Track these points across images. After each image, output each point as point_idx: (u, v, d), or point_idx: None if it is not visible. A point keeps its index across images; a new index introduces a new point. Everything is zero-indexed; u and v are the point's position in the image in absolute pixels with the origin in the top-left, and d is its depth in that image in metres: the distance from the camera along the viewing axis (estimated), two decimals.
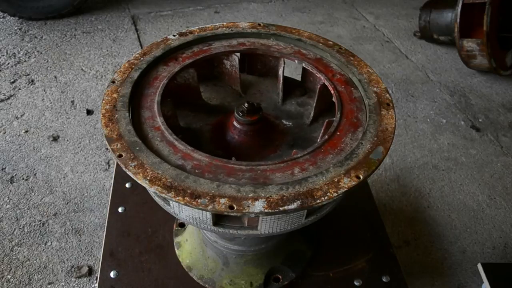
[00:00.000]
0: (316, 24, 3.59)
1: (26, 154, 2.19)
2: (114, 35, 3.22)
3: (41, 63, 2.86)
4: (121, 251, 1.17)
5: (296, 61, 1.03)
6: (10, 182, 2.04)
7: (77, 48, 3.05)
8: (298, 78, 1.12)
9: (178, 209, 0.78)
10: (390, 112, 0.87)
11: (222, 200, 0.67)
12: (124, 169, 0.72)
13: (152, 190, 0.69)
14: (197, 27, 1.08)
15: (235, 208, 0.66)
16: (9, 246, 1.77)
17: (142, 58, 0.97)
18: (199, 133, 0.95)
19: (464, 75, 3.07)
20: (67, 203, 1.96)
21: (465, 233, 1.98)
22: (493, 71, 2.89)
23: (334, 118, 0.87)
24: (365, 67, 0.99)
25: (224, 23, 1.10)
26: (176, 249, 1.18)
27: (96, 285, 1.11)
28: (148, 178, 0.70)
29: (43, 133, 2.32)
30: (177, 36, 1.04)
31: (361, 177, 0.73)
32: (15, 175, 2.08)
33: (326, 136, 0.82)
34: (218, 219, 0.80)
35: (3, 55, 2.91)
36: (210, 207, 0.67)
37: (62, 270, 1.70)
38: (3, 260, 1.72)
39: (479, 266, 1.52)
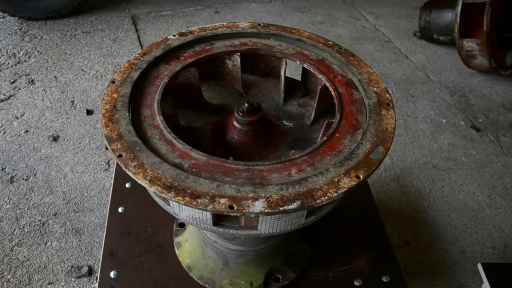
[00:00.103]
0: (316, 24, 3.59)
1: (26, 154, 2.19)
2: (114, 35, 3.22)
3: (41, 63, 2.87)
4: (121, 251, 1.17)
5: (298, 61, 1.03)
6: (10, 182, 2.04)
7: (77, 48, 3.05)
8: (298, 78, 1.12)
9: (178, 209, 0.78)
10: (390, 112, 0.87)
11: (222, 200, 0.67)
12: (124, 169, 0.72)
13: (152, 190, 0.69)
14: (197, 27, 1.08)
15: (235, 208, 0.66)
16: (9, 246, 1.77)
17: (142, 58, 0.97)
18: (200, 132, 0.95)
19: (464, 75, 3.07)
20: (67, 203, 1.96)
21: (465, 233, 1.98)
22: (493, 71, 2.89)
23: (334, 120, 0.87)
24: (365, 67, 0.99)
25: (224, 23, 1.10)
26: (176, 249, 1.18)
27: (96, 285, 1.11)
28: (148, 178, 0.70)
29: (43, 133, 2.32)
30: (177, 36, 1.04)
31: (361, 177, 0.73)
32: (15, 175, 2.08)
33: (325, 138, 0.82)
34: (218, 219, 0.80)
35: (3, 55, 2.91)
36: (210, 207, 0.67)
37: (62, 270, 1.70)
38: (3, 260, 1.72)
39: (479, 266, 1.52)
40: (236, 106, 0.91)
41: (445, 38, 3.21)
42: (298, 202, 0.68)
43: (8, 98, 2.55)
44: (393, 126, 0.84)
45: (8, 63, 2.83)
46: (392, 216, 2.02)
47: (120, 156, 0.73)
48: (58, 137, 2.30)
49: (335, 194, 0.70)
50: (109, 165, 2.16)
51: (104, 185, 2.06)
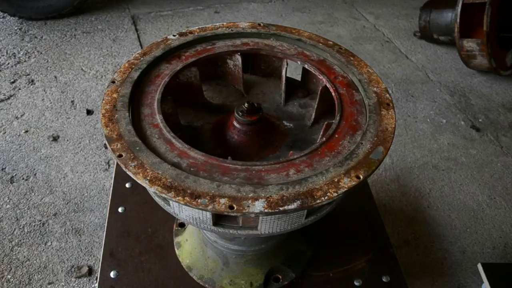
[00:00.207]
0: (316, 24, 3.59)
1: (26, 154, 2.19)
2: (114, 35, 3.23)
3: (41, 63, 2.87)
4: (121, 251, 1.17)
5: (299, 62, 1.03)
6: (10, 182, 2.04)
7: (77, 48, 3.05)
8: (298, 77, 1.12)
9: (178, 209, 0.78)
10: (390, 112, 0.87)
11: (222, 200, 0.67)
12: (124, 169, 0.72)
13: (152, 190, 0.69)
14: (197, 27, 1.08)
15: (235, 208, 0.66)
16: (9, 246, 1.77)
17: (142, 58, 0.97)
18: (200, 132, 0.95)
19: (464, 75, 3.07)
20: (67, 203, 1.96)
21: (465, 233, 1.98)
22: (493, 71, 2.89)
23: (334, 121, 0.87)
24: (365, 67, 0.99)
25: (224, 23, 1.10)
26: (176, 249, 1.18)
27: (96, 285, 1.11)
28: (148, 178, 0.70)
29: (43, 133, 2.32)
30: (177, 36, 1.04)
31: (361, 177, 0.73)
32: (15, 175, 2.08)
33: (324, 139, 0.82)
34: (218, 219, 0.80)
35: (3, 55, 2.91)
36: (210, 207, 0.67)
37: (62, 270, 1.70)
38: (3, 260, 1.72)
39: (479, 266, 1.52)
40: (236, 106, 0.91)
41: (445, 38, 3.21)
42: (298, 202, 0.68)
43: (8, 98, 2.55)
44: (393, 126, 0.84)
45: (8, 63, 2.83)
46: (392, 216, 2.02)
47: (120, 156, 0.73)
48: (58, 137, 2.30)
49: (335, 194, 0.70)
50: (109, 165, 2.16)
51: (104, 185, 2.06)
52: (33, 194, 1.99)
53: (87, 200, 1.98)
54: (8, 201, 1.95)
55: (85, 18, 3.40)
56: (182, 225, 1.23)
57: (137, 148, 0.75)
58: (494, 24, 2.69)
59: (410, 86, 2.93)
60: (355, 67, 0.99)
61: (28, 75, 2.74)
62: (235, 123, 0.91)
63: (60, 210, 1.92)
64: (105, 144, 2.26)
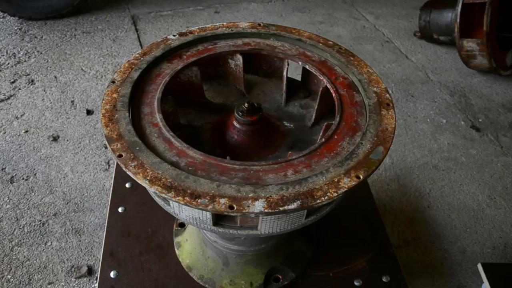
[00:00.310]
0: (316, 24, 3.59)
1: (26, 154, 2.19)
2: (114, 35, 3.22)
3: (41, 63, 2.87)
4: (121, 251, 1.17)
5: (300, 63, 1.03)
6: (10, 182, 2.04)
7: (77, 48, 3.05)
8: (298, 77, 1.12)
9: (178, 209, 0.78)
10: (390, 112, 0.87)
11: (222, 200, 0.67)
12: (124, 169, 0.72)
13: (152, 190, 0.69)
14: (197, 27, 1.08)
15: (235, 208, 0.66)
16: (9, 246, 1.77)
17: (142, 58, 0.97)
18: (200, 131, 0.95)
19: (464, 75, 3.07)
20: (67, 203, 1.96)
21: (465, 233, 1.98)
22: (493, 71, 2.89)
23: (333, 122, 0.87)
24: (365, 67, 0.99)
25: (224, 23, 1.10)
26: (176, 249, 1.18)
27: (96, 285, 1.11)
28: (148, 178, 0.70)
29: (43, 133, 2.32)
30: (177, 36, 1.04)
31: (361, 177, 0.73)
32: (15, 175, 2.08)
33: (323, 139, 0.82)
34: (218, 219, 0.80)
35: (3, 55, 2.91)
36: (210, 207, 0.67)
37: (62, 270, 1.70)
38: (3, 260, 1.72)
39: (479, 266, 1.52)
40: (236, 106, 0.91)
41: (445, 38, 3.21)
42: (298, 202, 0.68)
43: (8, 98, 2.55)
44: (393, 126, 0.84)
45: (8, 63, 2.83)
46: (392, 216, 2.02)
47: (120, 156, 0.73)
48: (58, 137, 2.30)
49: (335, 194, 0.70)
50: (109, 165, 2.16)
51: (104, 185, 2.06)
52: (33, 194, 1.99)
53: (87, 200, 1.98)
54: (8, 201, 1.95)
55: (85, 18, 3.40)
56: (182, 225, 1.23)
57: (137, 148, 0.75)
58: (494, 24, 2.69)
59: (410, 86, 2.93)
60: (355, 67, 0.99)
61: (28, 75, 2.74)
62: (235, 123, 0.91)
63: (60, 210, 1.92)
64: (105, 144, 2.26)
